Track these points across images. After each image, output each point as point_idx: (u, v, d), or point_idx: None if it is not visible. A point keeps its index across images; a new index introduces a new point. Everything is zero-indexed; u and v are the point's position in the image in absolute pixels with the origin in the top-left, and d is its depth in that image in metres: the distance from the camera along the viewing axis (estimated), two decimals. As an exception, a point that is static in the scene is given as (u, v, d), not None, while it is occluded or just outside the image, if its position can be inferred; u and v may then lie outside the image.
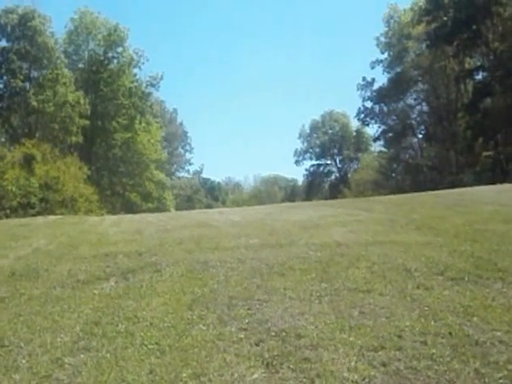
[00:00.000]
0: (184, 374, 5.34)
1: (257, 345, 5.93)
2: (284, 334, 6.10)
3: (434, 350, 5.46)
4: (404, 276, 8.24)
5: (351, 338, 5.86)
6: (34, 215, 32.26)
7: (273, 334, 6.15)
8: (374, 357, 5.42)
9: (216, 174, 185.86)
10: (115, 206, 54.90)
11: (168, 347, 5.99)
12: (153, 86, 63.08)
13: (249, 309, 7.16)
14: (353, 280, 8.15)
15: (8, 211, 34.25)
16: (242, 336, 6.20)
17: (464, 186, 34.08)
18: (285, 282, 8.41)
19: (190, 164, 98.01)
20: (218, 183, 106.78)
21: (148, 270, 10.13)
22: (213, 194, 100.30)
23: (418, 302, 6.93)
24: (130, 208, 54.82)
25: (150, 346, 6.06)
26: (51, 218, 25.54)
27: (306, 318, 6.54)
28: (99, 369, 5.58)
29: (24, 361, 5.94)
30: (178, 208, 68.48)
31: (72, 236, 16.07)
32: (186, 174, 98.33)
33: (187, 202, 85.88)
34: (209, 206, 77.29)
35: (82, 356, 5.98)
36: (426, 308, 6.66)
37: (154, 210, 52.67)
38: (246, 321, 6.68)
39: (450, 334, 5.83)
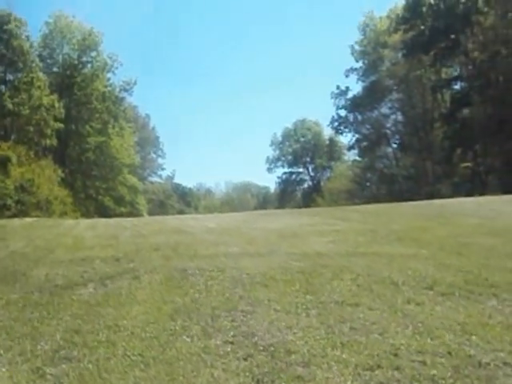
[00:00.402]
0: (170, 388, 5.10)
1: (245, 359, 5.66)
2: (273, 348, 5.83)
3: (435, 371, 5.13)
4: (392, 290, 8.01)
5: (344, 356, 5.58)
6: (9, 217, 31.88)
7: (261, 348, 5.88)
8: (371, 376, 5.12)
9: (188, 179, 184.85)
10: (89, 210, 54.08)
11: (152, 359, 5.71)
12: (126, 90, 62.40)
13: (233, 320, 6.91)
14: (339, 292, 7.91)
15: (-16, 212, 33.63)
16: (229, 349, 5.93)
17: (442, 196, 34.09)
18: (268, 292, 8.17)
19: (163, 169, 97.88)
20: (190, 189, 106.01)
21: (126, 277, 9.89)
22: (185, 199, 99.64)
23: (410, 317, 6.66)
24: (104, 212, 54.11)
25: (133, 358, 5.79)
26: (27, 220, 25.19)
27: (295, 333, 6.27)
28: (82, 381, 5.31)
29: (4, 369, 5.67)
30: (150, 213, 67.90)
31: (48, 239, 15.78)
32: (158, 179, 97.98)
33: (160, 207, 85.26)
34: (181, 212, 76.86)
35: (63, 366, 5.70)
36: (420, 324, 6.39)
37: (127, 215, 52.88)
38: (232, 333, 6.41)
39: (450, 353, 5.54)
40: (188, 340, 6.26)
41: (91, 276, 10.07)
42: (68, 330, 6.85)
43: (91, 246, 13.74)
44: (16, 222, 23.93)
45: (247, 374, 5.31)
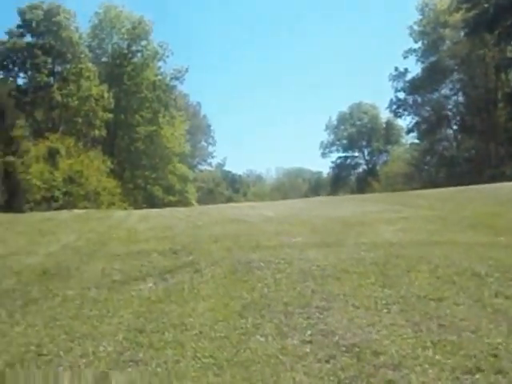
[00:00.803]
0: (232, 397, 4.75)
1: (327, 362, 5.28)
2: (357, 349, 5.43)
3: (543, 375, 4.65)
4: (476, 282, 7.51)
5: (437, 357, 5.15)
6: (57, 209, 32.14)
7: (343, 348, 5.49)
8: (473, 381, 4.69)
9: (237, 166, 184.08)
10: (137, 200, 54.85)
11: (225, 362, 5.37)
12: (177, 79, 62.63)
13: (308, 317, 6.54)
14: (418, 286, 7.45)
15: (32, 204, 34.13)
16: (308, 350, 5.56)
17: (506, 179, 32.95)
18: (342, 286, 7.76)
19: (213, 157, 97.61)
20: (240, 176, 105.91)
21: (187, 271, 9.54)
22: (234, 186, 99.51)
23: (501, 313, 6.20)
24: (152, 201, 54.68)
25: (204, 360, 5.46)
26: (76, 212, 25.09)
27: (378, 331, 5.87)
28: (151, 387, 5.00)
29: (66, 374, 5.37)
30: (199, 201, 67.88)
31: (100, 232, 15.54)
32: (208, 167, 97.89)
33: (208, 195, 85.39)
34: (230, 199, 76.78)
35: (129, 370, 5.40)
36: (514, 321, 5.94)
37: (176, 203, 53.25)
38: (309, 332, 6.05)
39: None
40: (262, 340, 5.91)
41: (149, 270, 9.75)
42: (131, 330, 6.56)
43: (146, 239, 13.45)
44: (64, 214, 23.84)
45: (332, 377, 4.95)
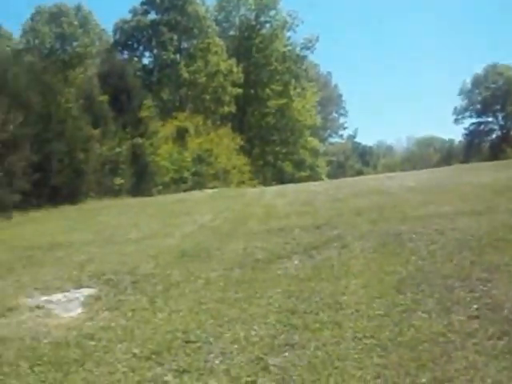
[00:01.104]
0: (423, 380, 4.43)
1: (499, 338, 4.94)
2: (531, 323, 5.06)
3: None
4: None
5: None
6: (186, 190, 32.42)
7: (515, 324, 5.14)
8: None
9: (368, 137, 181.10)
10: (266, 177, 54.74)
11: (389, 342, 5.10)
12: (308, 48, 61.66)
13: (471, 291, 6.22)
14: None
15: (160, 187, 34.56)
16: (477, 326, 5.26)
17: None
18: (502, 256, 7.38)
19: (344, 128, 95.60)
20: (370, 147, 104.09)
21: (333, 246, 9.36)
22: (363, 158, 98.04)
23: None
24: (282, 178, 54.08)
25: (365, 341, 5.21)
26: (207, 191, 25.43)
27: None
28: (313, 372, 4.78)
29: (217, 361, 5.24)
30: (329, 175, 66.84)
31: (236, 210, 15.59)
32: (339, 140, 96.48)
33: (338, 168, 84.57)
34: (360, 172, 75.54)
35: (286, 354, 5.21)
36: None
37: (307, 179, 51.97)
38: (474, 306, 5.74)
39: None
40: (425, 316, 5.63)
41: (293, 247, 9.61)
42: (282, 311, 6.38)
43: (286, 215, 13.35)
44: (196, 194, 24.20)
45: (507, 356, 4.60)
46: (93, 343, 5.96)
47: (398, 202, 13.59)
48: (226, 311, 6.57)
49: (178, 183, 35.93)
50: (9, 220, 18.65)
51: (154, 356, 5.46)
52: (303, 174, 58.92)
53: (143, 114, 32.96)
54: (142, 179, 31.96)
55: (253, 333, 5.82)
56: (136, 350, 5.65)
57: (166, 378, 4.98)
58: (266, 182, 47.74)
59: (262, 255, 9.26)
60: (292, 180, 49.78)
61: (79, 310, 7.27)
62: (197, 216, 14.91)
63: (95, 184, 26.72)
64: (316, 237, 10.20)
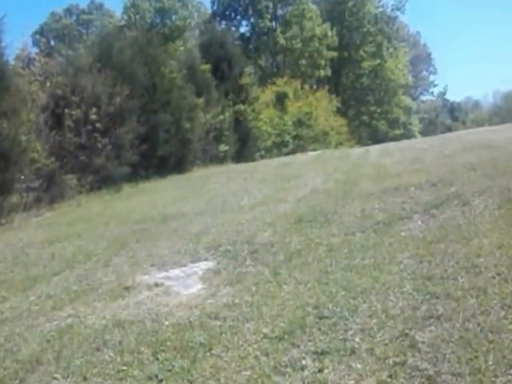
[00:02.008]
0: None
1: None
2: None
3: None
4: None
5: None
6: (287, 153, 31.93)
7: None
8: None
9: (456, 94, 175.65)
10: (361, 136, 54.31)
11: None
12: (398, 9, 60.75)
13: None
14: None
15: (263, 152, 34.26)
16: None
17: None
18: None
19: (435, 85, 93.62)
20: (458, 103, 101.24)
21: (454, 204, 8.50)
22: (452, 114, 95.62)
23: None
24: (376, 137, 53.85)
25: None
26: (311, 153, 24.68)
27: None
28: (468, 348, 4.01)
29: (358, 339, 4.48)
30: (421, 133, 66.29)
31: (345, 171, 14.74)
32: (430, 97, 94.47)
33: (429, 125, 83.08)
34: (449, 128, 73.66)
35: (433, 328, 4.45)
36: None
37: (401, 137, 52.35)
38: None
39: None
40: None
41: (412, 207, 8.73)
42: (417, 277, 5.59)
43: (397, 174, 12.42)
44: (301, 157, 23.44)
45: None
46: (218, 323, 5.28)
47: (510, 155, 12.54)
48: (356, 280, 5.79)
49: (279, 147, 35.66)
50: (119, 193, 18.38)
51: (286, 336, 4.72)
52: (397, 132, 58.91)
53: (244, 81, 32.41)
54: (245, 145, 31.53)
55: (390, 304, 5.04)
56: (266, 330, 4.93)
57: (304, 362, 4.24)
58: (361, 142, 47.85)
59: (382, 217, 8.42)
60: (386, 139, 49.58)
61: (199, 286, 6.59)
62: (307, 179, 14.14)
63: (201, 152, 26.39)
64: (433, 195, 9.32)
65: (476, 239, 6.45)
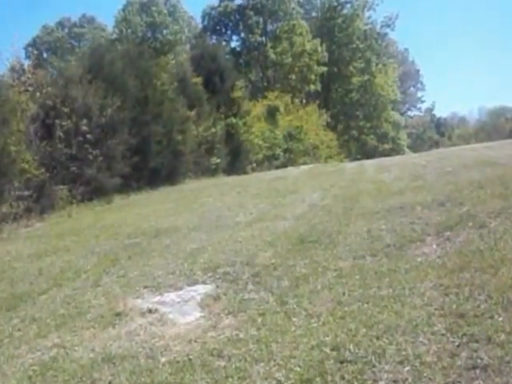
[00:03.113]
0: None
1: None
2: None
3: None
4: None
5: None
6: (278, 166, 31.47)
7: None
8: None
9: (442, 109, 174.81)
10: (351, 151, 53.83)
11: None
12: (388, 26, 60.17)
13: None
14: None
15: (254, 164, 33.64)
16: None
17: None
18: None
19: (422, 102, 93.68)
20: (444, 119, 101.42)
21: (468, 226, 7.69)
22: (438, 129, 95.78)
23: None
24: (366, 151, 53.74)
25: None
26: (303, 167, 23.98)
27: None
28: None
29: None
30: (409, 147, 65.91)
31: (343, 187, 13.99)
32: (417, 113, 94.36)
33: (417, 140, 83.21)
34: (437, 143, 73.89)
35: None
36: None
37: (390, 151, 52.40)
38: None
39: None
40: None
41: (423, 228, 7.92)
42: (446, 314, 4.79)
43: (399, 191, 11.63)
44: (293, 170, 22.74)
45: None
46: (222, 364, 4.51)
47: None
48: (376, 315, 5.01)
49: (270, 160, 35.24)
50: (110, 204, 17.64)
51: (302, 385, 3.96)
52: (386, 146, 58.29)
53: (236, 94, 31.84)
54: (236, 157, 30.95)
55: (422, 348, 4.26)
56: (279, 375, 4.18)
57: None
58: (351, 156, 47.82)
59: (391, 239, 7.64)
60: (375, 153, 49.94)
61: (197, 314, 5.82)
62: (303, 194, 13.38)
63: (193, 164, 25.72)
64: (444, 215, 8.49)
65: (504, 268, 5.68)
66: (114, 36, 55.71)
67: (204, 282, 6.85)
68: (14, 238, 12.83)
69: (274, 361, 4.41)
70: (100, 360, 4.89)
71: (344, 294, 5.72)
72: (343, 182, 14.82)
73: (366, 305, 5.31)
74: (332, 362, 4.25)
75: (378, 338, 4.53)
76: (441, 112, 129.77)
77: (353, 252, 7.28)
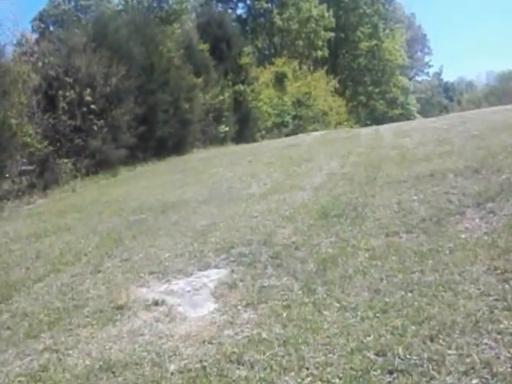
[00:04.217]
0: None
1: None
2: None
3: None
4: None
5: None
6: (287, 134, 30.54)
7: None
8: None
9: (450, 74, 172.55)
10: (360, 116, 52.92)
11: None
12: (394, -10, 58.69)
13: None
14: None
15: (263, 132, 32.68)
16: None
17: None
18: None
19: (430, 66, 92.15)
20: (452, 84, 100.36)
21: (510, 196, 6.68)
22: (446, 94, 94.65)
23: None
24: (375, 117, 52.60)
25: None
26: (315, 134, 22.92)
27: None
28: None
29: None
30: (418, 112, 64.47)
31: (362, 153, 12.99)
32: (425, 77, 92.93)
33: (426, 105, 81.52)
34: (446, 108, 72.75)
35: None
36: None
37: (400, 117, 50.90)
38: None
39: None
40: None
41: (460, 199, 6.95)
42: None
43: (426, 157, 10.57)
44: (304, 137, 21.57)
45: None
46: (243, 373, 3.67)
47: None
48: (425, 308, 4.14)
49: (279, 128, 34.19)
50: (115, 177, 16.76)
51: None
52: (396, 112, 57.01)
53: (243, 60, 30.77)
54: (245, 125, 29.94)
55: (490, 353, 3.40)
56: (317, 391, 3.31)
57: None
58: (360, 122, 46.87)
59: (426, 212, 6.70)
60: (384, 118, 48.85)
61: (211, 306, 4.93)
62: (320, 162, 12.42)
63: (200, 133, 24.75)
64: (481, 184, 7.48)
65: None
66: (120, 7, 54.42)
67: (217, 266, 5.96)
68: (15, 216, 11.97)
69: (307, 369, 3.57)
70: (97, 368, 4.04)
71: (381, 279, 4.85)
72: (361, 149, 13.81)
73: (409, 294, 4.43)
74: (379, 372, 3.38)
75: (432, 340, 3.65)
76: (448, 77, 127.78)
77: (384, 228, 6.36)
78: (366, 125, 39.83)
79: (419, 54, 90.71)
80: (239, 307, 4.77)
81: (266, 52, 50.26)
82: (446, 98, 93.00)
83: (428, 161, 10.04)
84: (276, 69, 38.01)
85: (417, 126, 17.65)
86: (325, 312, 4.38)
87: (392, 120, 44.10)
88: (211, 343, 4.16)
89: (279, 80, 37.03)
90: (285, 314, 4.44)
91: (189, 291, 5.37)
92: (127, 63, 19.54)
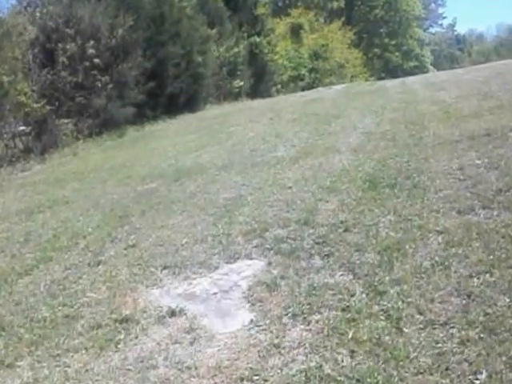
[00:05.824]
0: None
1: None
2: None
3: None
4: None
5: None
6: (303, 88, 29.67)
7: None
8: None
9: (459, 26, 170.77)
10: (375, 69, 51.86)
11: None
12: None
13: None
14: None
15: (279, 86, 31.41)
16: None
17: None
18: None
19: (443, 18, 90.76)
20: (463, 36, 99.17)
21: None
22: (457, 46, 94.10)
23: None
24: (389, 69, 52.52)
25: None
26: (336, 87, 21.63)
27: None
28: None
29: None
30: (432, 64, 63.87)
31: (397, 109, 11.73)
32: (439, 29, 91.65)
33: (439, 57, 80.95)
34: (456, 59, 72.04)
35: None
36: None
37: (415, 69, 51.02)
38: None
39: None
40: None
41: None
42: None
43: (474, 113, 9.24)
44: (325, 91, 20.30)
45: None
46: None
47: None
48: None
49: (295, 81, 32.94)
50: (122, 138, 15.51)
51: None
52: (411, 64, 56.53)
53: (259, 11, 29.25)
54: (260, 80, 28.51)
55: None
56: None
57: None
58: (375, 75, 46.00)
59: (499, 180, 5.54)
60: (399, 71, 49.57)
61: (246, 317, 3.72)
62: (352, 119, 11.14)
63: (214, 88, 23.41)
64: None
65: None
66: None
67: (249, 256, 4.73)
68: (7, 186, 10.67)
69: None
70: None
71: (471, 277, 3.64)
72: (395, 103, 12.50)
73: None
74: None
75: None
76: (459, 29, 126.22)
77: (452, 202, 5.15)
78: (381, 78, 38.95)
79: (433, 5, 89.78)
80: (285, 319, 3.59)
81: (280, 3, 48.55)
82: (457, 49, 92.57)
83: (478, 118, 8.79)
84: (292, 20, 36.59)
85: (448, 79, 16.28)
86: (405, 329, 3.20)
87: (406, 73, 43.48)
88: (252, 381, 2.98)
89: (295, 32, 35.68)
90: (350, 334, 3.25)
91: (215, 294, 4.15)
92: (135, 13, 18.20)
